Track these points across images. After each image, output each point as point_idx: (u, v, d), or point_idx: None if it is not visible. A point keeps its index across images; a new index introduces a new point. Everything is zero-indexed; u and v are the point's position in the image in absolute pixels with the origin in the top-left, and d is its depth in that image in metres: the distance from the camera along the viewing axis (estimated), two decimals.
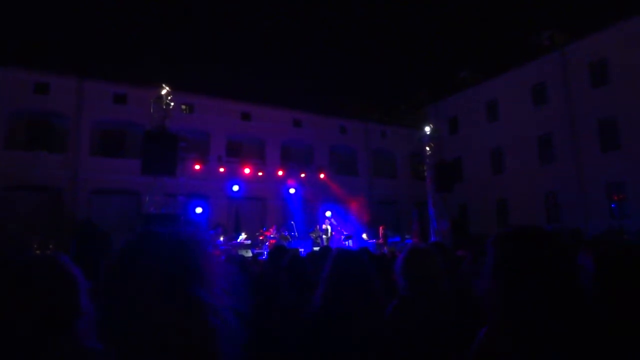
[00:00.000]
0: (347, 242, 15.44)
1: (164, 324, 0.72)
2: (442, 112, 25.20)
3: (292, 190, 19.57)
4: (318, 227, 16.64)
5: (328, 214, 18.32)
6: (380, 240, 16.26)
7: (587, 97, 18.81)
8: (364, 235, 17.02)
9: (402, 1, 45.19)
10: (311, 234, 16.40)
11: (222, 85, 27.18)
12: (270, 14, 45.52)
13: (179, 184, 13.79)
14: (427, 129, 17.41)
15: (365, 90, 39.34)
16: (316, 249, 13.17)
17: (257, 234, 15.71)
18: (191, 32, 42.94)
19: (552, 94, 20.16)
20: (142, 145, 11.33)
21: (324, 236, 16.33)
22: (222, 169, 18.05)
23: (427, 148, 17.19)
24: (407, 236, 17.49)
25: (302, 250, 14.82)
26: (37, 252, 11.18)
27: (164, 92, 11.93)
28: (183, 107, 19.38)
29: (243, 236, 15.88)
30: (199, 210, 15.74)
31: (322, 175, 20.25)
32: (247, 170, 18.39)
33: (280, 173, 19.55)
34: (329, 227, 16.53)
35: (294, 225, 16.55)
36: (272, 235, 15.45)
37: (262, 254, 14.71)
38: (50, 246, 12.54)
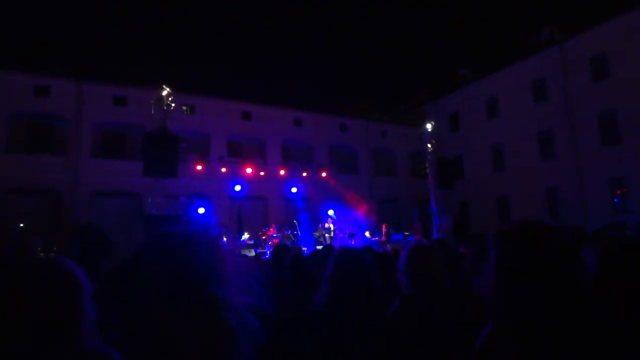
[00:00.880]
0: (353, 242, 15.47)
1: (184, 325, 0.71)
2: (443, 110, 25.18)
3: (294, 189, 19.53)
4: (321, 225, 16.63)
5: (330, 212, 18.32)
6: (383, 238, 16.28)
7: (587, 91, 18.75)
8: (367, 233, 17.03)
9: (401, 0, 45.16)
10: (314, 233, 16.41)
11: (222, 85, 27.20)
12: (270, 14, 45.54)
13: (180, 185, 13.80)
14: (428, 127, 17.40)
15: (365, 89, 39.40)
16: (319, 248, 13.17)
17: (259, 233, 15.71)
18: (191, 32, 43.03)
19: (552, 90, 20.11)
20: (143, 147, 11.38)
21: (327, 235, 16.34)
22: (223, 169, 18.13)
23: (429, 146, 17.19)
24: (408, 234, 17.51)
25: (305, 249, 14.85)
26: (41, 254, 11.23)
27: (164, 93, 11.93)
28: (184, 108, 19.40)
29: (246, 236, 15.87)
30: (201, 210, 15.76)
31: (323, 174, 20.26)
32: (248, 170, 18.37)
33: (281, 172, 19.50)
34: (331, 226, 16.54)
35: (297, 224, 16.57)
36: (274, 235, 15.44)
37: (265, 253, 14.74)
38: (54, 249, 12.59)
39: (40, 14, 35.70)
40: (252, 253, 13.27)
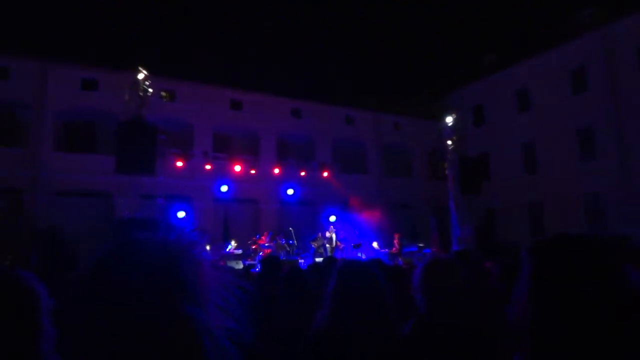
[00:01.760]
0: (360, 254, 15.48)
1: (148, 353, 0.70)
2: (466, 101, 25.18)
3: (290, 191, 19.66)
4: (321, 234, 16.67)
5: (332, 219, 18.30)
6: (395, 250, 16.36)
7: (635, 82, 18.74)
8: (375, 244, 17.08)
9: None
10: (313, 243, 16.49)
11: (208, 69, 27.24)
12: None
13: (158, 184, 13.78)
14: (449, 120, 17.42)
15: (375, 75, 39.30)
16: (319, 260, 13.17)
17: (249, 242, 15.83)
18: (173, 7, 42.86)
19: (593, 80, 20.01)
20: (115, 139, 11.37)
21: (327, 245, 16.35)
22: (208, 167, 18.16)
23: (449, 142, 17.23)
24: (423, 245, 17.49)
25: (302, 261, 14.83)
26: None
27: (140, 76, 11.95)
28: (163, 94, 19.59)
29: (233, 245, 15.92)
30: (181, 214, 15.82)
31: (325, 174, 20.31)
32: (237, 168, 18.46)
33: (276, 171, 19.58)
34: (333, 235, 16.55)
35: (293, 232, 16.63)
36: (266, 244, 15.53)
37: (255, 265, 14.72)
38: (9, 258, 12.57)
39: None
40: (240, 265, 13.27)
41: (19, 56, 17.47)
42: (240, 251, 15.72)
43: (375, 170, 23.86)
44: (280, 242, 15.78)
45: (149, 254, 0.78)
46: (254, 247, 15.41)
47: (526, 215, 21.81)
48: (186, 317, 0.73)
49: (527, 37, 25.90)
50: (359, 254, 15.64)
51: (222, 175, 18.44)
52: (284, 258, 14.11)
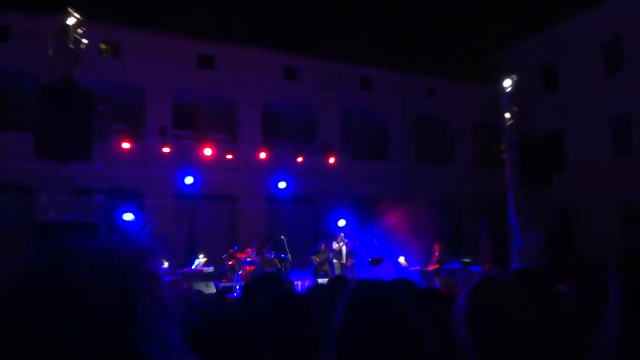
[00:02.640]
0: (381, 273, 15.44)
1: None
2: (531, 59, 25.19)
3: (282, 185, 19.68)
4: (324, 246, 16.71)
5: (342, 223, 18.22)
6: (431, 267, 16.50)
7: None
8: (402, 260, 17.09)
9: None
10: (314, 257, 16.57)
11: (165, 12, 27.03)
12: None
13: (95, 175, 13.78)
14: (507, 84, 17.36)
15: (401, 21, 38.99)
16: (322, 281, 13.17)
17: (224, 256, 15.94)
18: None
19: None
20: (34, 111, 11.33)
21: (335, 261, 16.44)
22: (166, 150, 18.12)
23: (507, 115, 17.18)
24: (470, 260, 17.41)
25: (299, 283, 14.82)
26: None
27: (71, 22, 11.88)
28: (102, 46, 19.73)
29: (201, 260, 16.09)
30: (128, 217, 15.87)
31: (331, 160, 20.33)
32: (207, 152, 18.48)
33: (262, 156, 19.54)
34: (343, 246, 16.65)
35: (285, 243, 16.69)
36: (248, 259, 15.63)
37: (232, 289, 14.70)
38: None
39: None
40: (212, 289, 13.30)
41: None
42: (211, 269, 15.92)
43: (401, 155, 23.86)
44: (268, 255, 15.81)
45: (84, 271, 0.78)
46: (230, 262, 15.48)
47: (616, 219, 21.83)
48: (141, 358, 0.74)
49: None
50: (379, 273, 15.62)
51: (187, 161, 18.45)
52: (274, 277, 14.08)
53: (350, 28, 33.97)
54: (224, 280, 15.20)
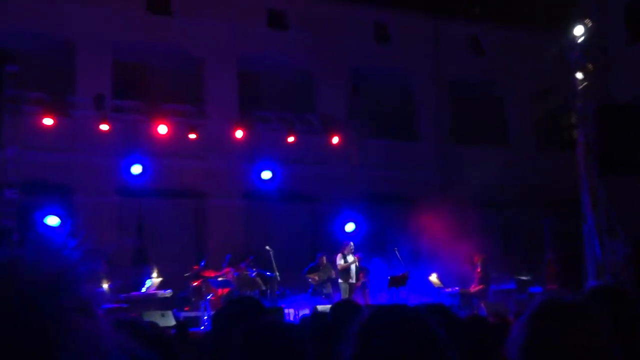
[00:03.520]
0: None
1: None
2: None
3: (266, 175, 19.87)
4: (326, 259, 16.83)
5: (350, 228, 18.16)
6: (474, 288, 16.53)
7: None
8: (434, 278, 17.17)
9: None
10: (311, 276, 16.65)
11: None
12: None
13: (6, 162, 13.77)
14: (578, 32, 17.28)
15: None
16: (323, 308, 13.16)
17: (186, 275, 16.18)
18: None
19: None
20: None
21: (341, 281, 16.51)
22: (104, 127, 18.18)
23: (578, 76, 17.16)
24: (529, 278, 17.37)
25: (291, 311, 15.23)
26: None
27: None
28: None
29: (154, 281, 16.11)
30: (52, 220, 15.83)
31: (334, 140, 20.39)
32: (162, 130, 18.69)
33: (238, 135, 19.77)
34: (352, 259, 16.59)
35: (272, 255, 17.00)
36: (220, 279, 15.64)
37: (198, 321, 14.70)
38: None
39: None
40: (170, 320, 13.37)
41: None
42: (169, 292, 16.04)
43: (432, 134, 24.22)
44: (248, 273, 15.81)
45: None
46: (195, 283, 15.55)
47: None
48: None
49: None
50: (403, 297, 15.64)
51: (133, 143, 18.59)
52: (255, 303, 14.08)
53: None
54: (186, 309, 15.19)
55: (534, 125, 24.86)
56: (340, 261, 16.26)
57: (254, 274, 15.60)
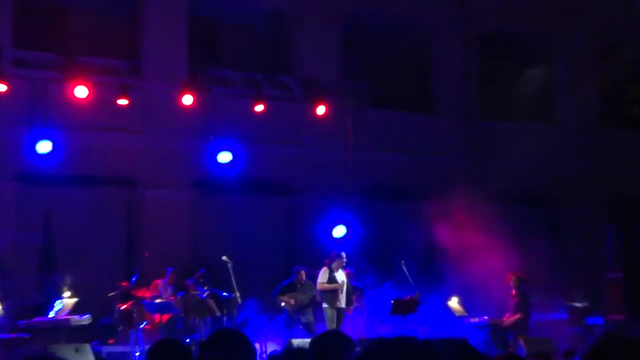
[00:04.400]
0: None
1: None
2: None
3: (224, 157, 19.75)
4: (304, 274, 16.77)
5: (339, 232, 18.37)
6: (509, 318, 16.43)
7: None
8: (455, 303, 17.25)
9: None
10: (285, 298, 16.57)
11: None
12: None
13: None
14: None
15: None
16: (300, 342, 13.31)
17: (112, 294, 15.79)
18: None
19: None
20: None
21: (325, 305, 16.45)
22: (1, 87, 18.76)
23: None
24: (585, 304, 17.70)
25: (256, 347, 14.91)
26: None
27: None
28: None
29: (66, 302, 15.97)
30: None
31: (319, 110, 20.29)
32: (80, 92, 18.46)
33: (186, 101, 19.68)
34: (341, 277, 16.58)
35: (231, 269, 16.78)
36: (158, 300, 15.54)
37: (127, 357, 14.76)
38: None
39: None
40: (87, 356, 13.32)
41: None
42: (86, 317, 15.78)
43: (455, 105, 23.94)
44: (198, 293, 15.86)
45: None
46: (124, 306, 15.50)
47: None
48: None
49: None
50: (411, 327, 15.80)
51: (41, 110, 18.34)
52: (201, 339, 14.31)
53: None
54: (111, 341, 15.31)
55: (593, 96, 25.09)
56: (324, 278, 16.48)
57: (205, 294, 15.78)
